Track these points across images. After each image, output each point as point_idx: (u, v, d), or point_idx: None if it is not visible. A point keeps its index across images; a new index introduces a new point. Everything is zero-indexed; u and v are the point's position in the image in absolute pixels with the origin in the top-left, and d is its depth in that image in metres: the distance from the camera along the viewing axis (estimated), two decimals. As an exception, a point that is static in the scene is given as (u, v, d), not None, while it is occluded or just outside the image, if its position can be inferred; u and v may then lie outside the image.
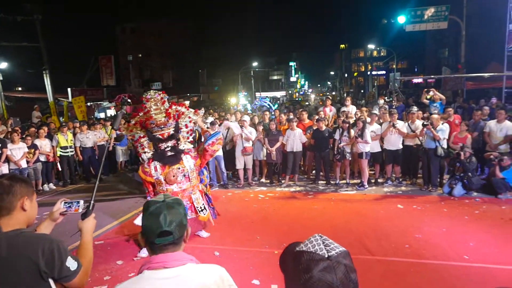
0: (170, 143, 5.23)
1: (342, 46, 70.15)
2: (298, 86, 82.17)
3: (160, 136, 5.22)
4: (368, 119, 8.43)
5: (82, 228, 1.98)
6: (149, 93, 5.24)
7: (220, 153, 8.58)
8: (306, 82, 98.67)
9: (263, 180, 9.10)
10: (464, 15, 19.54)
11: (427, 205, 6.85)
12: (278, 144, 8.49)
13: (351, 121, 8.53)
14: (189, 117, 5.57)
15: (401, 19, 19.55)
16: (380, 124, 8.37)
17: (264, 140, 8.64)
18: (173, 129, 5.28)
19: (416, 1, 26.31)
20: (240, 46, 52.54)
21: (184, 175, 5.26)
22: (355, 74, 62.60)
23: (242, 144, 8.56)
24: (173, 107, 5.37)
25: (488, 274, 4.23)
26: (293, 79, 76.60)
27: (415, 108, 8.55)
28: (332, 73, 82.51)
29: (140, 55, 41.26)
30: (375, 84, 42.16)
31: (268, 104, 17.62)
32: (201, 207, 5.34)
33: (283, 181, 8.73)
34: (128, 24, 40.82)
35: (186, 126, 5.50)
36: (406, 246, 5.01)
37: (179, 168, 5.21)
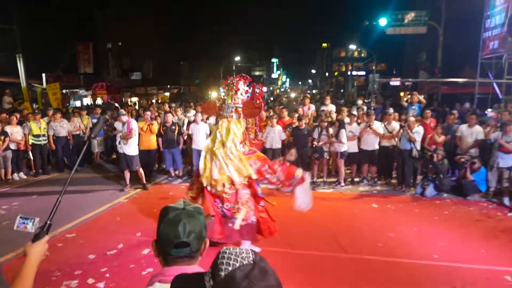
0: None
1: (324, 45, 70.84)
2: (280, 82, 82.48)
3: None
4: (347, 119, 8.57)
5: (27, 253, 1.62)
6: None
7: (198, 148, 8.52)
8: (288, 79, 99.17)
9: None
10: (442, 21, 20.13)
11: (400, 205, 7.05)
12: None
13: (330, 120, 8.65)
14: None
15: (383, 21, 19.91)
16: (359, 124, 8.53)
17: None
18: None
19: (397, 5, 26.86)
20: (223, 40, 51.98)
21: None
22: (336, 73, 63.36)
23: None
24: None
25: (456, 273, 4.41)
26: (274, 75, 76.89)
27: (391, 110, 8.76)
28: (313, 71, 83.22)
29: (120, 43, 40.19)
30: (355, 84, 42.81)
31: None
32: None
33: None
34: (109, 10, 39.64)
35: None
36: (380, 245, 5.15)
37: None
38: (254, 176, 4.55)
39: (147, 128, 8.39)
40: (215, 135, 4.72)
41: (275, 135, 8.43)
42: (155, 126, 8.55)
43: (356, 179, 8.69)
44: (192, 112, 9.91)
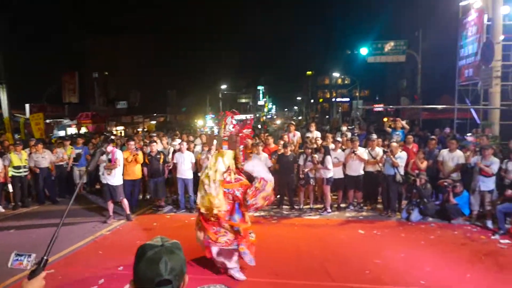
0: None
1: (309, 72, 72.56)
2: (266, 109, 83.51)
3: None
4: (332, 146, 8.68)
5: None
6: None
7: (190, 176, 8.47)
8: (274, 106, 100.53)
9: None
10: (420, 50, 21.04)
11: (386, 230, 7.06)
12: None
13: (315, 146, 8.75)
14: None
15: (364, 51, 20.68)
16: (344, 150, 8.64)
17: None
18: None
19: (377, 34, 28.03)
20: (209, 68, 52.84)
21: None
22: (321, 100, 64.65)
23: (207, 167, 8.48)
24: None
25: (443, 299, 4.38)
26: (261, 102, 77.91)
27: (374, 136, 8.93)
28: (299, 98, 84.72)
29: (107, 73, 40.41)
30: (339, 110, 43.70)
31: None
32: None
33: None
34: (96, 39, 40.06)
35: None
36: (367, 272, 5.10)
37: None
38: (218, 211, 4.85)
39: (132, 159, 8.31)
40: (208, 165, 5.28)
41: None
42: (140, 156, 8.48)
43: (343, 205, 8.70)
44: (178, 141, 9.88)
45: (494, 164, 7.19)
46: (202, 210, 4.99)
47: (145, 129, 29.18)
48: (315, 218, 7.99)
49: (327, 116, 49.05)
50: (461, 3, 12.90)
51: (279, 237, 6.69)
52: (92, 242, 6.62)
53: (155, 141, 9.17)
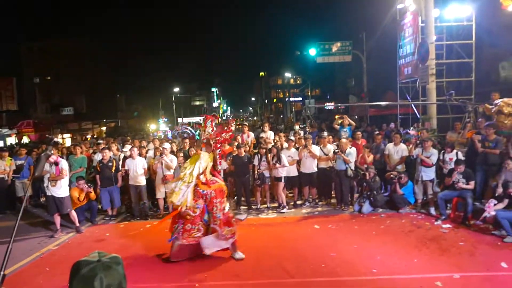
0: None
1: (262, 73, 73.45)
2: (221, 111, 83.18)
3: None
4: (286, 144, 8.86)
5: None
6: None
7: (143, 182, 8.20)
8: (229, 108, 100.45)
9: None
10: (364, 50, 22.15)
11: (340, 224, 7.34)
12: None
13: (269, 146, 8.87)
14: None
15: (312, 51, 21.39)
16: (297, 148, 8.85)
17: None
18: None
19: (325, 35, 29.06)
20: (161, 72, 51.71)
21: None
22: (274, 100, 65.71)
23: (162, 172, 8.28)
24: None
25: (393, 284, 4.65)
26: (215, 104, 77.42)
27: (325, 133, 9.26)
28: (253, 99, 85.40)
29: (49, 78, 37.93)
30: (293, 109, 44.69)
31: (190, 131, 17.48)
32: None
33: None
34: (35, 43, 37.41)
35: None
36: (323, 265, 5.27)
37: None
38: (189, 204, 5.27)
39: (83, 197, 7.91)
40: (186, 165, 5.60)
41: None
42: (93, 195, 8.07)
43: (299, 202, 8.90)
44: (128, 146, 9.53)
45: (433, 155, 7.77)
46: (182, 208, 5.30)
47: (95, 136, 27.84)
48: (272, 217, 8.10)
49: (281, 116, 49.95)
50: (398, 6, 13.77)
51: (238, 238, 6.68)
52: (38, 259, 6.18)
53: (108, 148, 8.76)
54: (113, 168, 8.31)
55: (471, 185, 7.05)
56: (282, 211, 8.30)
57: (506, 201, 6.24)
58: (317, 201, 8.92)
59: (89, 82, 36.77)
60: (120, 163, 8.67)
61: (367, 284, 4.68)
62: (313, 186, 8.80)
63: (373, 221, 7.39)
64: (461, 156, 7.71)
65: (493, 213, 6.15)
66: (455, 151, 7.85)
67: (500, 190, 6.46)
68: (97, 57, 38.26)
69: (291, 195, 9.11)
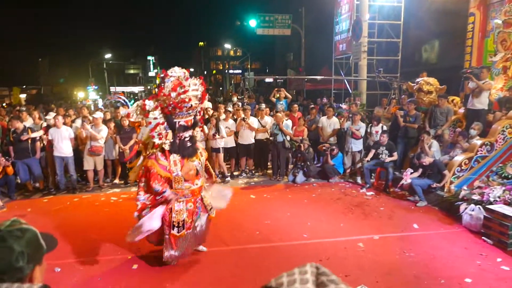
0: (190, 132, 4.40)
1: (201, 43, 71.10)
2: (158, 81, 79.61)
3: (185, 124, 4.29)
4: (223, 116, 8.79)
5: None
6: (179, 70, 4.23)
7: (69, 153, 7.61)
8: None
9: (116, 181, 8.47)
10: (303, 25, 22.43)
11: (275, 193, 7.60)
12: (131, 142, 8.02)
13: (206, 117, 8.74)
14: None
15: (253, 22, 21.12)
16: (235, 120, 8.84)
17: (116, 138, 8.04)
18: (193, 115, 4.39)
19: (265, 7, 28.80)
20: (91, 35, 47.37)
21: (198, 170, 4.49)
22: (214, 72, 64.42)
23: (89, 143, 7.76)
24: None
25: (322, 247, 4.97)
26: (151, 73, 73.62)
27: (263, 106, 9.36)
28: (192, 69, 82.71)
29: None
30: (232, 82, 44.35)
31: (124, 100, 16.51)
32: (209, 204, 4.75)
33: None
34: None
35: (199, 113, 4.63)
36: (257, 233, 5.45)
37: (196, 162, 4.44)
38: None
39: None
40: None
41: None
42: (10, 169, 7.27)
43: (236, 173, 9.01)
44: (52, 114, 8.71)
45: (362, 128, 8.30)
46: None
47: (12, 103, 25.00)
48: (210, 187, 8.10)
49: (221, 88, 49.37)
50: (336, -18, 14.07)
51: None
52: None
53: (19, 116, 7.91)
54: (29, 138, 7.54)
55: (395, 156, 7.70)
56: (226, 180, 8.34)
57: (420, 170, 6.95)
58: (253, 172, 9.10)
59: (3, 41, 32.52)
60: (41, 132, 7.90)
61: (298, 248, 4.95)
62: (250, 157, 8.94)
63: (305, 190, 7.78)
64: (385, 129, 8.35)
65: (409, 180, 6.83)
66: (380, 124, 8.46)
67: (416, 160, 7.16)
68: (14, 14, 33.76)
69: (228, 166, 9.16)
